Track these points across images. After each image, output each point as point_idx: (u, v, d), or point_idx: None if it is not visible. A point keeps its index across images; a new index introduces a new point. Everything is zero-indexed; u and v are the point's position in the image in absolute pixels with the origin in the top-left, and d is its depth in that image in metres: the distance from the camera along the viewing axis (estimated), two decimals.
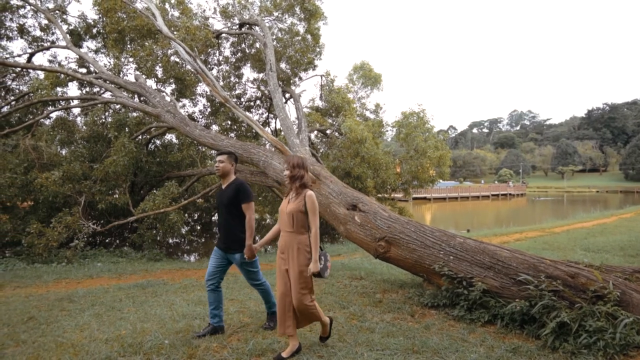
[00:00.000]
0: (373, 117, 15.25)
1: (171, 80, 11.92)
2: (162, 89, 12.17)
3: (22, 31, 12.04)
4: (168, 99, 10.39)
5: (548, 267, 3.58)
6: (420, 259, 4.26)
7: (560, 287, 3.33)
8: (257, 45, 12.59)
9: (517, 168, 77.42)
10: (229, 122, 12.87)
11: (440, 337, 3.24)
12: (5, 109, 10.71)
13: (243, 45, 13.26)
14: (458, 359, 2.87)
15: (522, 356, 2.91)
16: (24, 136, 9.71)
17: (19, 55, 12.09)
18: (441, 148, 12.54)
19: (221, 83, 13.00)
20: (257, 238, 2.92)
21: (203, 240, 13.86)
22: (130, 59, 11.53)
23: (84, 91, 12.12)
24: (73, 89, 17.96)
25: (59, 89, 10.71)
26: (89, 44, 13.01)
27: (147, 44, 10.90)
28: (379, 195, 12.55)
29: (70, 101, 10.96)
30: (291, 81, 13.42)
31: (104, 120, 10.90)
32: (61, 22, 11.96)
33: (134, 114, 10.55)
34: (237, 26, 12.47)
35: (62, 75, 10.45)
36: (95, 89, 11.55)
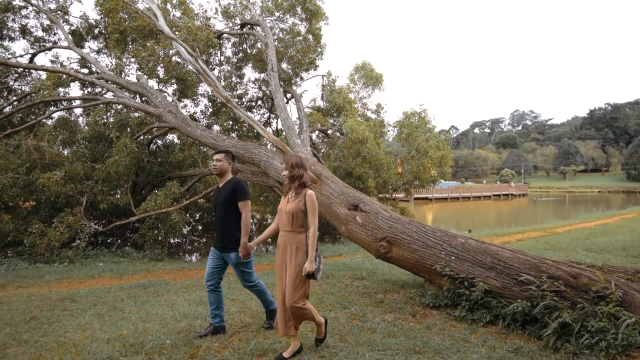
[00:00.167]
0: (374, 117, 15.25)
1: (173, 81, 11.95)
2: (164, 89, 12.21)
3: (24, 32, 12.08)
4: (170, 99, 10.40)
5: (550, 268, 3.57)
6: (422, 259, 4.25)
7: (562, 288, 3.32)
8: (259, 45, 12.60)
9: (518, 168, 77.27)
10: (231, 122, 12.89)
11: (441, 338, 3.24)
12: (7, 109, 10.74)
13: (244, 46, 13.27)
14: (459, 359, 2.87)
15: (524, 357, 2.90)
16: (26, 136, 9.74)
17: (21, 56, 12.14)
18: (443, 148, 12.52)
19: (223, 83, 13.02)
20: (253, 237, 2.93)
21: (204, 240, 13.86)
22: (132, 59, 11.55)
23: (85, 91, 12.15)
24: (75, 90, 18.08)
25: (61, 89, 10.75)
26: (91, 45, 13.06)
27: (148, 44, 10.92)
28: (381, 196, 12.55)
29: (72, 101, 10.99)
30: (292, 81, 13.43)
31: (105, 121, 10.92)
32: (63, 22, 12.00)
33: (136, 114, 10.57)
34: (239, 26, 12.48)
35: (64, 76, 10.49)
36: (97, 90, 11.58)
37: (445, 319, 3.76)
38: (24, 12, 11.95)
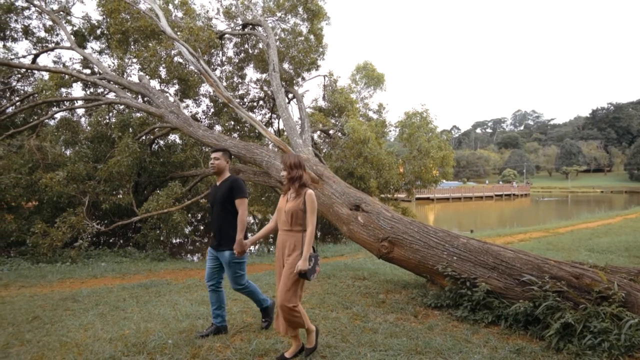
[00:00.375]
0: (376, 117, 15.27)
1: (175, 81, 11.98)
2: (166, 89, 12.24)
3: (27, 32, 12.13)
4: (171, 99, 10.43)
5: (552, 268, 3.56)
6: (424, 260, 4.25)
7: (565, 288, 3.31)
8: (260, 45, 12.62)
9: (521, 168, 77.11)
10: (232, 123, 12.92)
11: (443, 338, 3.23)
12: (10, 110, 10.78)
13: (246, 46, 13.29)
14: (461, 359, 2.86)
15: (526, 357, 2.89)
16: (28, 137, 9.78)
17: (24, 56, 12.18)
18: (444, 148, 12.50)
19: (224, 83, 13.04)
20: (249, 235, 2.93)
21: (206, 240, 13.88)
22: (134, 60, 11.59)
23: (88, 92, 12.19)
24: (77, 90, 18.11)
25: (63, 89, 10.79)
26: (93, 45, 13.13)
27: (150, 44, 10.95)
28: (382, 196, 12.55)
29: (75, 102, 11.03)
30: (294, 81, 13.44)
31: (108, 121, 10.96)
32: (65, 23, 12.04)
33: (138, 115, 10.60)
34: (240, 27, 12.50)
35: (67, 76, 10.53)
36: (99, 90, 11.62)
37: (447, 319, 3.75)
38: (26, 12, 11.99)
